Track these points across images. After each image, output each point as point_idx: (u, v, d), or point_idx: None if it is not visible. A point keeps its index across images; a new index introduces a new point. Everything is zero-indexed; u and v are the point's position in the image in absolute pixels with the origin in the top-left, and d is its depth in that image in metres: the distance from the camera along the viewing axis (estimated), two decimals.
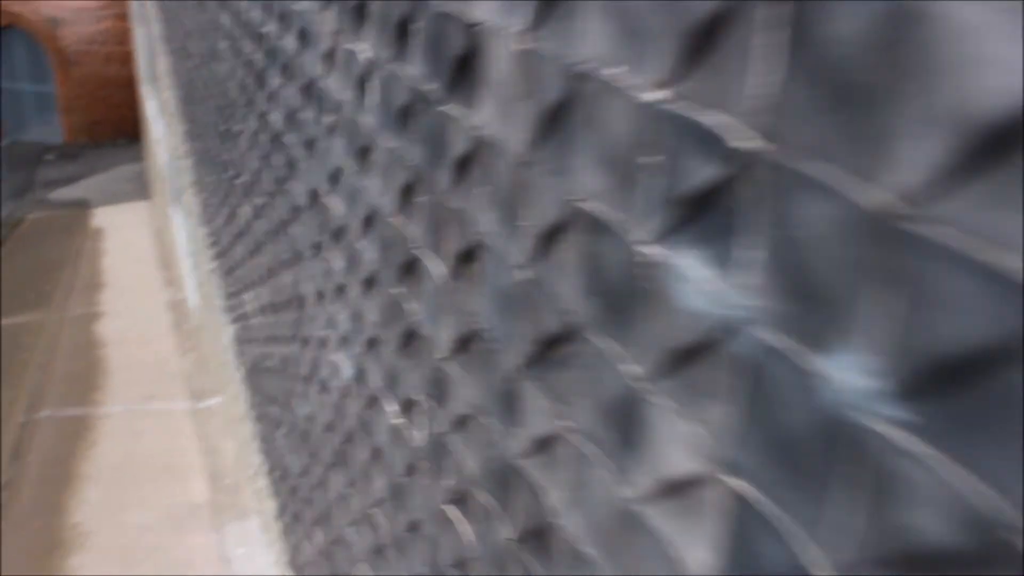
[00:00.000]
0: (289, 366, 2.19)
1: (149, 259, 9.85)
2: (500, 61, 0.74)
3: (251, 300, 2.82)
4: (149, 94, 11.50)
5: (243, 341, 3.23)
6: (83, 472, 4.98)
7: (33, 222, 13.72)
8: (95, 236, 12.72)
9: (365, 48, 1.16)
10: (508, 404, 0.82)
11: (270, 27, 1.87)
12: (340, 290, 1.50)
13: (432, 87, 0.92)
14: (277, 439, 2.62)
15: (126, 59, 16.41)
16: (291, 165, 1.82)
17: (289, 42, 1.69)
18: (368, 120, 1.20)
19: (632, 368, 0.60)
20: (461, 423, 0.98)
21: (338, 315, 1.55)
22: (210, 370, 5.54)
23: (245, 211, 2.64)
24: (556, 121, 0.66)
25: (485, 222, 0.81)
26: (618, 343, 0.61)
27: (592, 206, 0.62)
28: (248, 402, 3.36)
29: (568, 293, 0.67)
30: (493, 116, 0.77)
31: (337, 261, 1.50)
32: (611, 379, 0.63)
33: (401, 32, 1.00)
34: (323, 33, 1.39)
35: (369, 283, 1.31)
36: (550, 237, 0.69)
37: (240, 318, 3.21)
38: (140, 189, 14.98)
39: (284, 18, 1.72)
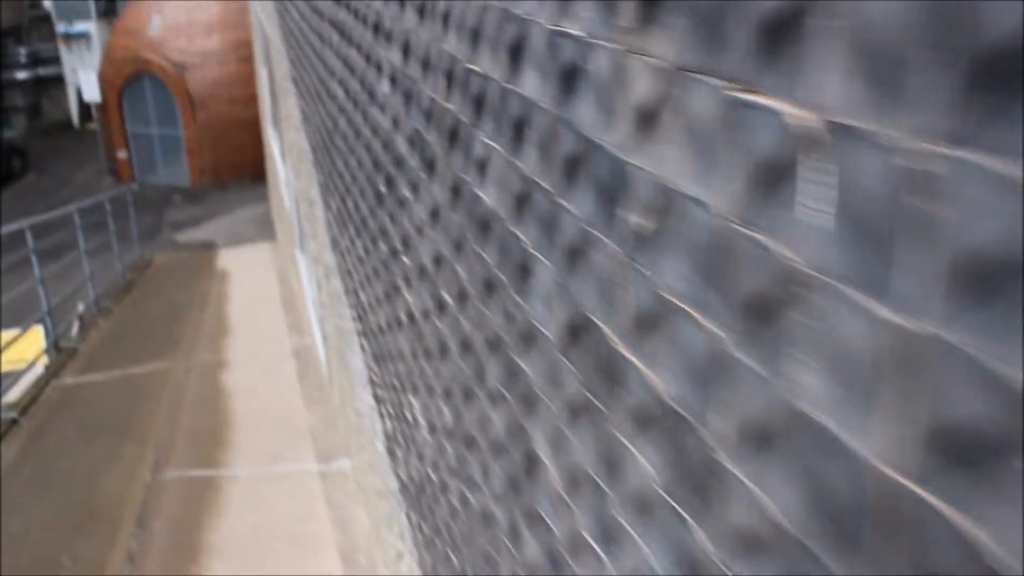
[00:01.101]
0: (438, 451, 1.81)
1: (274, 302, 9.71)
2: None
3: (392, 371, 2.45)
4: (272, 136, 11.48)
5: (384, 412, 2.87)
6: (209, 543, 4.69)
7: (161, 264, 13.89)
8: (221, 278, 12.76)
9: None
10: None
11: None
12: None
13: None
14: (425, 526, 2.23)
15: (250, 101, 16.63)
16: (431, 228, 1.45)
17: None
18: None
19: None
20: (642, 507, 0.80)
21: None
22: (339, 429, 5.23)
23: (389, 276, 2.28)
24: None
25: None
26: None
27: None
28: (387, 474, 2.98)
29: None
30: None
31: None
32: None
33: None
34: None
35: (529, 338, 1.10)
36: None
37: (380, 385, 2.85)
38: (263, 230, 15.07)
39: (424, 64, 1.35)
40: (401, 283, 2.11)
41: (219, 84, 17.57)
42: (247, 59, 16.64)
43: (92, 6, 21.50)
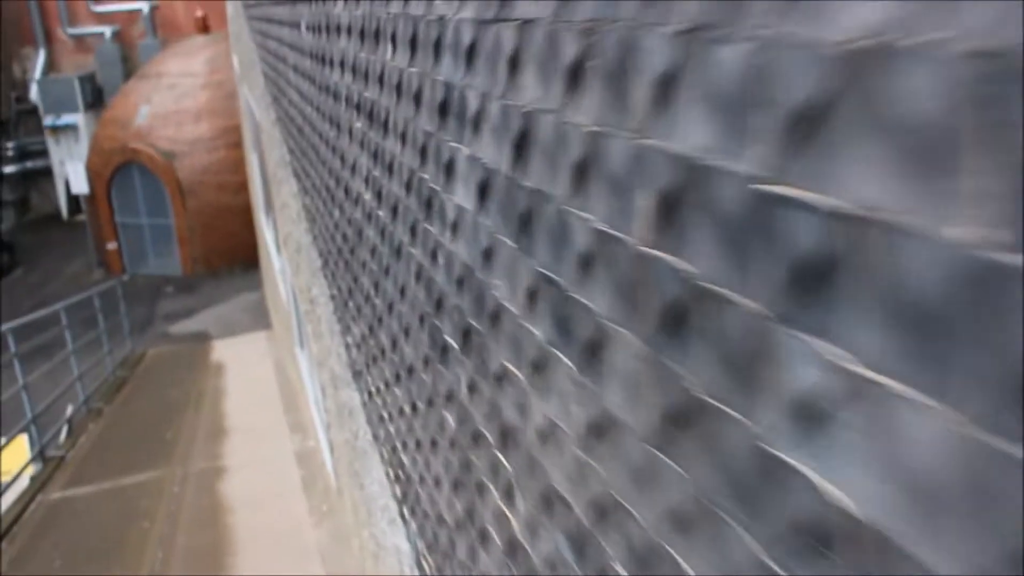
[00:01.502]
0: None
1: (273, 399, 9.23)
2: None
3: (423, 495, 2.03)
4: (265, 224, 11.11)
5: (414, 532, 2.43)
6: None
7: (153, 358, 13.40)
8: (216, 372, 12.27)
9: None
10: None
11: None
12: None
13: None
14: None
15: (240, 188, 16.33)
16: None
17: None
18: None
19: None
20: None
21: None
22: (351, 550, 4.73)
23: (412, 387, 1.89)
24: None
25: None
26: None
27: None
28: None
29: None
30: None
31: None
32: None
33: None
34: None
35: None
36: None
37: (411, 508, 2.42)
38: (259, 318, 14.65)
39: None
40: (440, 400, 1.70)
41: (208, 171, 17.29)
42: (236, 145, 16.38)
43: (79, 98, 21.32)
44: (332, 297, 3.85)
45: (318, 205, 3.85)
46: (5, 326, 8.20)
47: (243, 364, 12.33)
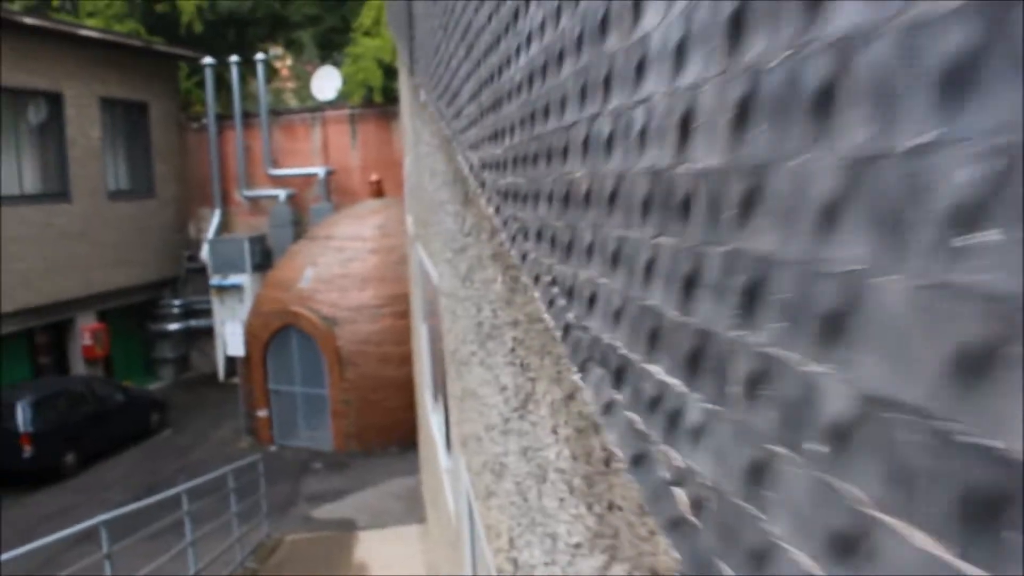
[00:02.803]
0: None
1: None
2: None
3: None
4: (431, 408, 9.63)
5: None
6: None
7: (291, 545, 11.89)
8: (358, 571, 10.63)
9: None
10: None
11: None
12: None
13: None
14: None
15: (403, 360, 15.07)
16: None
17: None
18: None
19: None
20: None
21: None
22: None
23: None
24: None
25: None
26: None
27: None
28: None
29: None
30: None
31: None
32: None
33: None
34: None
35: None
36: None
37: None
38: (411, 509, 13.04)
39: None
40: None
41: (370, 341, 16.15)
42: (402, 314, 15.24)
43: (248, 260, 20.98)
44: None
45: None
46: (103, 517, 6.81)
47: (388, 566, 10.64)
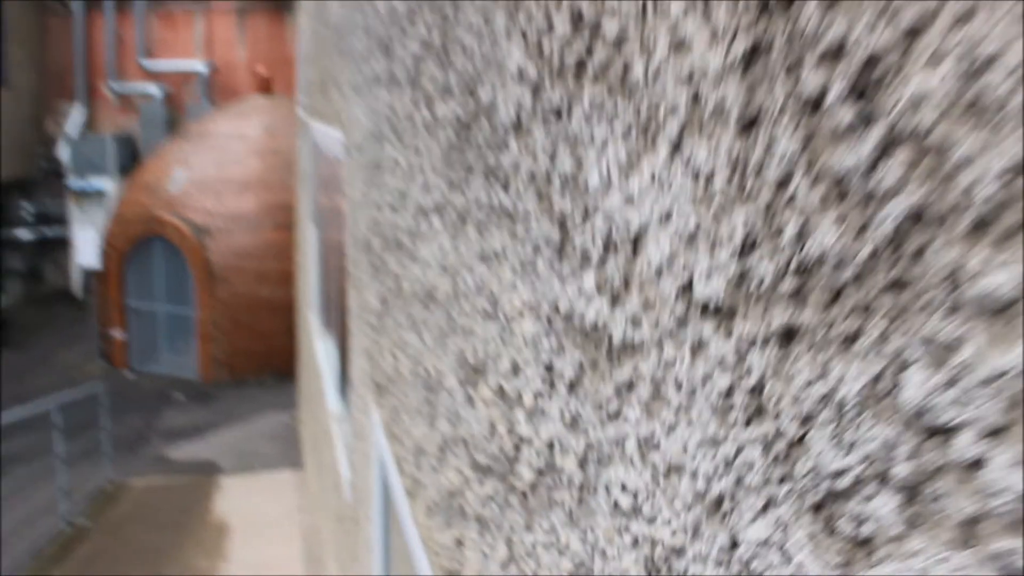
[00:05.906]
0: None
1: None
2: None
3: None
4: (318, 331, 7.65)
5: None
6: None
7: (140, 493, 9.82)
8: (217, 533, 8.65)
9: None
10: None
11: None
12: None
13: None
14: None
15: (284, 279, 12.93)
16: None
17: None
18: None
19: None
20: None
21: None
22: None
23: None
24: None
25: None
26: None
27: None
28: None
29: None
30: None
31: None
32: None
33: None
34: None
35: None
36: None
37: None
38: (286, 451, 11.06)
39: None
40: None
41: (247, 255, 13.93)
42: (286, 226, 13.09)
43: (113, 162, 18.35)
44: None
45: None
46: None
47: (257, 523, 8.68)
